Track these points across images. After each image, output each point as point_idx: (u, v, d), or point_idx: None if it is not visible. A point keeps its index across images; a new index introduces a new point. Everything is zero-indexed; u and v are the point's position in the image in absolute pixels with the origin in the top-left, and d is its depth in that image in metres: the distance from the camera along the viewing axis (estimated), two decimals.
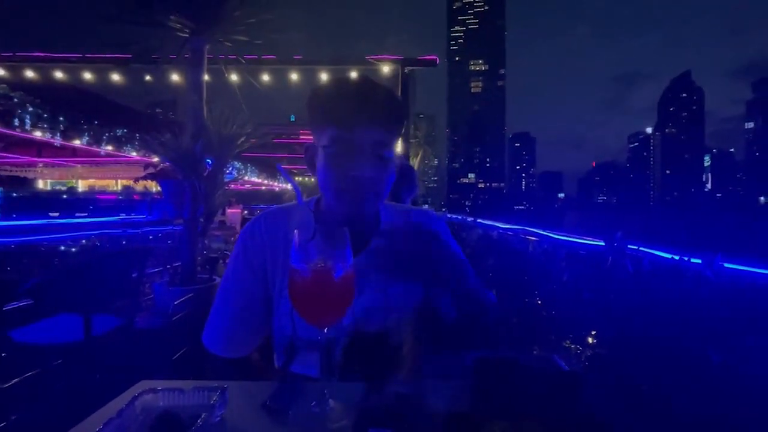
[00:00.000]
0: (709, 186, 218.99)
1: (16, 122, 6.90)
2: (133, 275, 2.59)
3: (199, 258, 3.29)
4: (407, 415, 0.52)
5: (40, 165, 14.46)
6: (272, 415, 0.56)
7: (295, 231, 0.58)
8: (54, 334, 2.08)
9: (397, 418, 0.52)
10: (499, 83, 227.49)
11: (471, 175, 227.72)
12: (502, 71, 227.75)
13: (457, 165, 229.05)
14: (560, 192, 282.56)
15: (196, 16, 2.93)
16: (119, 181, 16.04)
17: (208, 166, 3.24)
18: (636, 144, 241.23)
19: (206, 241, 4.16)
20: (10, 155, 12.58)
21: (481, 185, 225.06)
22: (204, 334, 0.91)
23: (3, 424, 1.86)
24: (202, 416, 0.48)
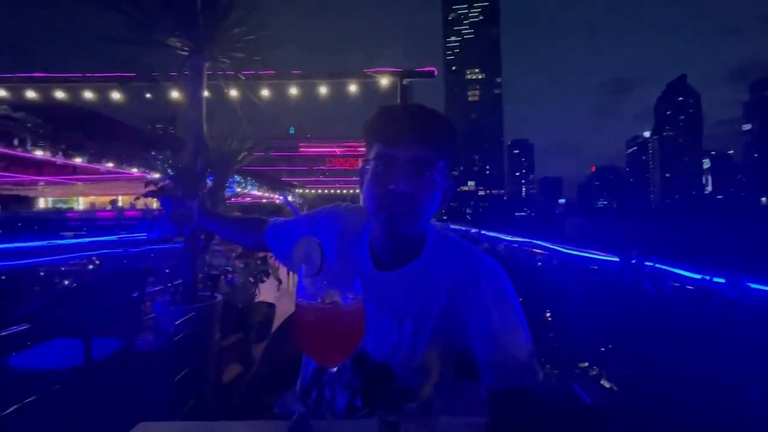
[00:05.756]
0: (709, 188, 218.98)
1: (17, 142, 6.93)
2: (134, 295, 2.55)
3: (200, 275, 3.25)
4: None
5: (41, 183, 14.51)
6: None
7: (302, 265, 0.55)
8: (52, 358, 2.03)
9: None
10: (496, 91, 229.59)
11: (471, 183, 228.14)
12: (498, 79, 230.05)
13: (456, 173, 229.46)
14: (561, 197, 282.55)
15: (195, 35, 2.94)
16: (120, 197, 16.07)
17: (208, 182, 3.22)
18: (635, 148, 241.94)
19: (208, 258, 4.12)
20: (11, 174, 12.64)
21: (481, 192, 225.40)
22: (266, 232, 1.10)
23: None
24: None
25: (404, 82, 5.51)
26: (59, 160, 9.31)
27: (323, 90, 5.47)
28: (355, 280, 0.57)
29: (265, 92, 5.36)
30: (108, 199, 16.34)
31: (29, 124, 6.41)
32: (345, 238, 0.95)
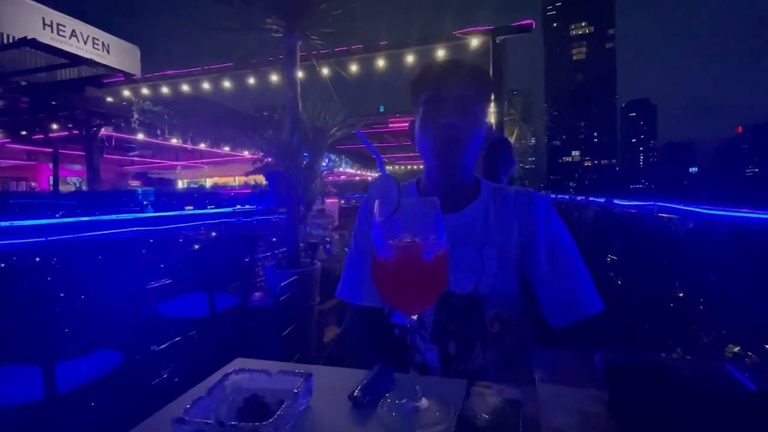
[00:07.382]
0: None
1: (159, 132, 8.37)
2: (246, 260, 2.88)
3: (301, 244, 3.53)
4: (517, 429, 0.42)
5: (178, 167, 17.32)
6: (359, 409, 0.51)
7: (377, 202, 0.51)
8: (187, 308, 2.43)
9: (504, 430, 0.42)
10: (608, 45, 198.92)
11: (575, 153, 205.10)
12: (611, 31, 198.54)
13: (558, 142, 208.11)
14: (692, 166, 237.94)
15: (286, 14, 3.08)
16: (236, 177, 18.37)
17: (305, 158, 3.43)
18: None
19: (307, 228, 4.46)
20: (157, 160, 15.35)
21: (587, 163, 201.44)
22: (338, 291, 1.04)
23: (157, 381, 2.24)
24: (285, 404, 0.45)
25: (497, 41, 5.06)
26: (189, 146, 10.97)
27: (411, 59, 5.33)
28: (438, 219, 0.51)
29: (353, 67, 5.44)
30: (222, 179, 18.96)
31: (165, 116, 7.67)
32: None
